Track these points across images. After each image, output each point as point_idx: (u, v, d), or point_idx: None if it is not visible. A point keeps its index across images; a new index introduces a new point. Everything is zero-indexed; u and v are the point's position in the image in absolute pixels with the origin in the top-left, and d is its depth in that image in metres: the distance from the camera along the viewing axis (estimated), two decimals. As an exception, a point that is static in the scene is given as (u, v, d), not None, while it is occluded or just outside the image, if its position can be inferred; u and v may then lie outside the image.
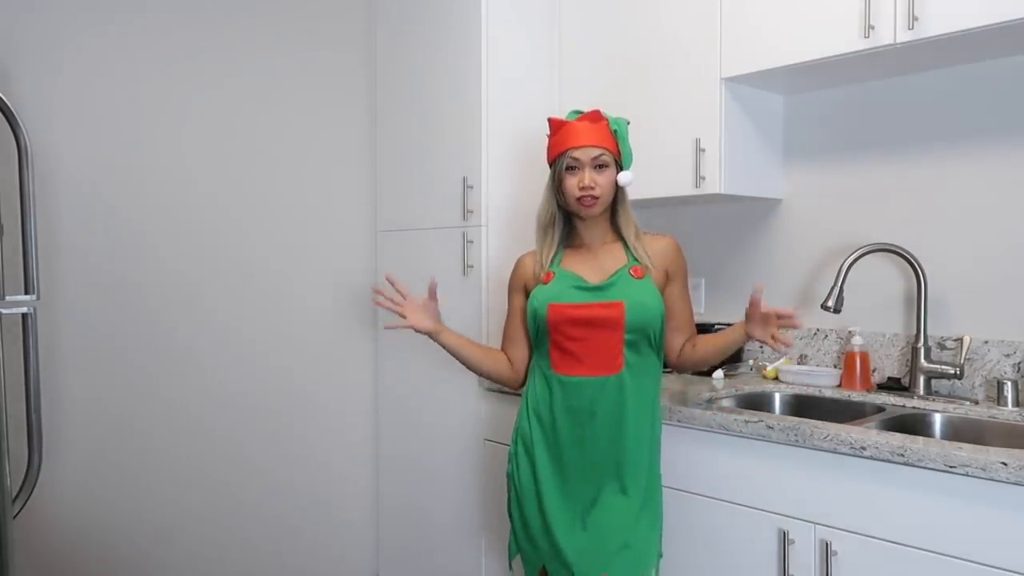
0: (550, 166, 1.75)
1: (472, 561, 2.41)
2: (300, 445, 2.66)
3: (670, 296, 1.75)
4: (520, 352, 1.84)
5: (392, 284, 1.87)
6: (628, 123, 1.75)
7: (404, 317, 1.83)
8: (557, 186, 1.73)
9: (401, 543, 2.74)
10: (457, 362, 1.89)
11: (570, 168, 1.69)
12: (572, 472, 1.68)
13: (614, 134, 1.70)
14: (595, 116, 1.70)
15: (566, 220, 1.78)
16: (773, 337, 1.63)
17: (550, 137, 1.75)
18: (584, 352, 1.67)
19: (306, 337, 2.66)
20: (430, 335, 1.85)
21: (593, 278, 1.71)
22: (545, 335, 1.72)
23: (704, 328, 2.33)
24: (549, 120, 1.76)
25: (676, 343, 1.78)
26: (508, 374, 1.87)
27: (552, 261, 1.76)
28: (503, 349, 1.88)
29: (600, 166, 1.68)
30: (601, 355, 1.66)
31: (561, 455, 1.69)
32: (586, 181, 1.66)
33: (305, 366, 2.66)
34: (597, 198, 1.68)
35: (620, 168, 1.72)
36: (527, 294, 1.79)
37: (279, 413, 2.60)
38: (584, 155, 1.67)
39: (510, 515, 1.80)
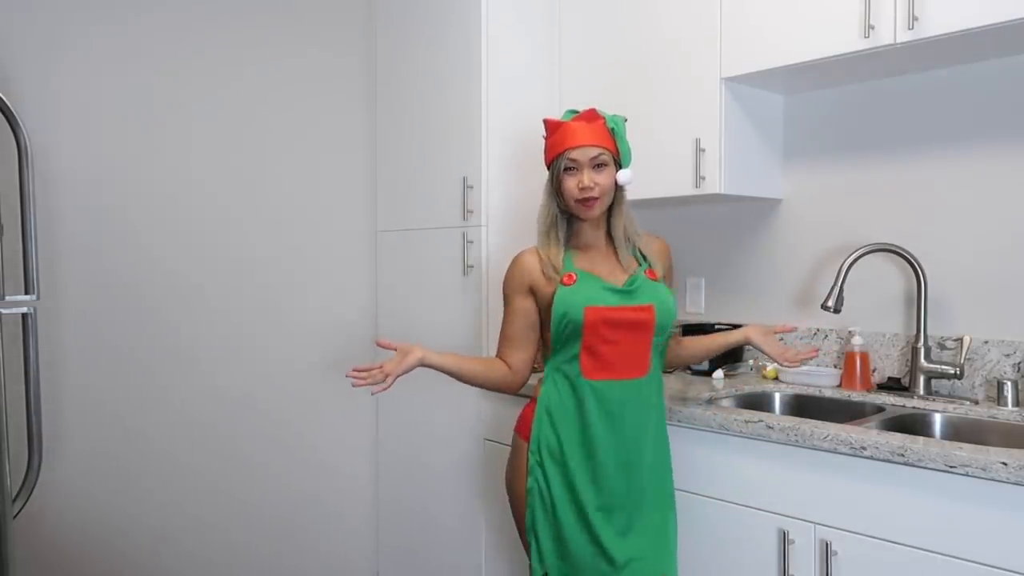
0: (548, 168, 1.73)
1: (472, 561, 2.41)
2: (300, 445, 2.66)
3: None
4: (522, 355, 1.76)
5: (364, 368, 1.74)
6: (625, 120, 1.73)
7: (385, 377, 1.71)
8: (556, 188, 1.70)
9: (401, 543, 2.74)
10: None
11: (568, 169, 1.66)
12: (611, 479, 1.64)
13: (611, 132, 1.67)
14: (591, 115, 1.68)
15: (567, 221, 1.75)
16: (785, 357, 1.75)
17: (546, 138, 1.73)
18: (616, 355, 1.64)
19: (306, 336, 2.66)
20: (420, 365, 1.74)
21: (613, 280, 1.68)
22: (576, 339, 1.64)
23: (705, 328, 2.33)
24: (545, 121, 1.74)
25: None
26: (509, 379, 1.77)
27: (563, 262, 1.70)
28: (500, 353, 1.78)
29: (599, 165, 1.65)
30: (632, 358, 1.65)
31: (598, 462, 1.64)
32: (585, 181, 1.63)
33: (305, 365, 2.66)
34: (598, 198, 1.65)
35: (619, 167, 1.69)
36: (534, 295, 1.72)
37: (279, 412, 2.60)
38: (582, 155, 1.64)
39: (534, 532, 1.69)
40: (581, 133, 1.65)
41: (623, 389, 1.65)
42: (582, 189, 1.64)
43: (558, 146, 1.68)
